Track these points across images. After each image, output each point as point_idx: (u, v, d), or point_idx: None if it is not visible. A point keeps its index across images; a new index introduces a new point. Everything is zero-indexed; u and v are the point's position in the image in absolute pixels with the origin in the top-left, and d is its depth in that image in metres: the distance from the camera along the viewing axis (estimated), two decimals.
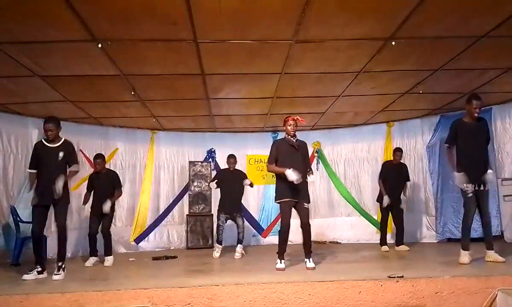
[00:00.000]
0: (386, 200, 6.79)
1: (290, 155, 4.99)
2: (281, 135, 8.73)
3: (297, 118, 5.10)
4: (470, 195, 4.71)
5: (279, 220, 8.75)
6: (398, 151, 7.13)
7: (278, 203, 5.05)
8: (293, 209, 5.00)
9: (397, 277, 3.68)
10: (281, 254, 4.92)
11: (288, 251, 5.09)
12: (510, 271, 4.01)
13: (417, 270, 4.56)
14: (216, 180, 6.86)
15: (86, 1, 3.75)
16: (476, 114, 4.78)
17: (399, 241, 6.85)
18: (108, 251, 6.11)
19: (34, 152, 4.91)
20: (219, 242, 6.56)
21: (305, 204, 4.95)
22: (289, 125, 5.03)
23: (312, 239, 5.10)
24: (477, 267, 4.36)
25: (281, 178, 4.95)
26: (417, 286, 3.61)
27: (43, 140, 4.93)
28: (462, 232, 4.86)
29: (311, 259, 4.85)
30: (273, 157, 5.07)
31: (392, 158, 7.17)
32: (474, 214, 4.78)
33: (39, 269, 4.67)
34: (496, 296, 3.56)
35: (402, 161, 7.17)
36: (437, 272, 3.94)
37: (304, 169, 5.00)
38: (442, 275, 3.74)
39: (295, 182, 4.74)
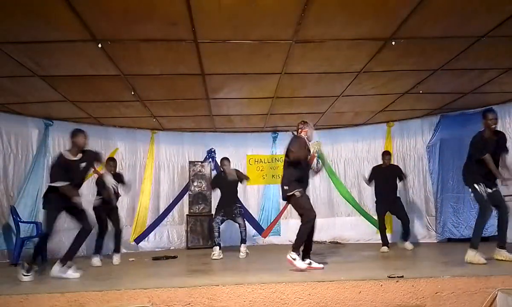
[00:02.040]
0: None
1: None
2: (281, 135, 8.82)
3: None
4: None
5: (279, 220, 8.89)
6: (386, 154, 7.15)
7: (299, 193, 4.76)
8: (292, 209, 4.99)
9: (397, 277, 3.67)
10: (298, 249, 4.65)
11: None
12: (510, 271, 4.01)
13: (417, 270, 4.56)
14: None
15: (86, 1, 3.76)
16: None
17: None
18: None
19: (61, 165, 4.76)
20: (218, 244, 6.41)
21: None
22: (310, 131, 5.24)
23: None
24: (477, 267, 4.35)
25: (297, 170, 4.86)
26: (417, 286, 3.60)
27: (64, 154, 4.82)
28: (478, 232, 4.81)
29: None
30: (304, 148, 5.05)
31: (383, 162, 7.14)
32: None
33: (36, 269, 4.66)
34: (496, 296, 3.55)
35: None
36: (437, 272, 3.93)
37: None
38: (442, 275, 3.74)
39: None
